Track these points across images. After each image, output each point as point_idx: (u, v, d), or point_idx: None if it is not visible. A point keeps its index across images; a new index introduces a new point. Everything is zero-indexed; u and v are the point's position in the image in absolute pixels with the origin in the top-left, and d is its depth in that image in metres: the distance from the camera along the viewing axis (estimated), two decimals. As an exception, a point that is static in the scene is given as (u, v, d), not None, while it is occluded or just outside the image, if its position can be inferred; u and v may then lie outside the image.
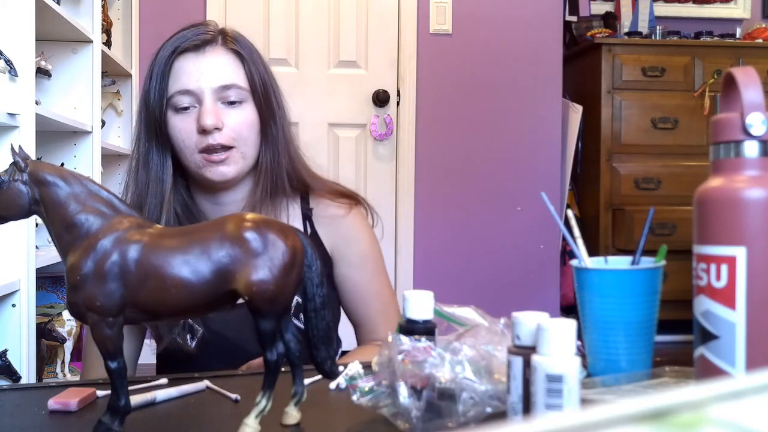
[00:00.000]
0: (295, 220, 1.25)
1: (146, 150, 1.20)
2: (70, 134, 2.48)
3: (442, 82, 3.53)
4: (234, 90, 1.18)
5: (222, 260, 0.67)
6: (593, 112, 3.69)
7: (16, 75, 1.77)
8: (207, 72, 1.16)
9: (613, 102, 3.64)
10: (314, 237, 1.25)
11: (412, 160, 3.53)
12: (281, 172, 1.23)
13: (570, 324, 0.62)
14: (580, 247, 0.85)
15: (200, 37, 1.18)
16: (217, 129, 1.16)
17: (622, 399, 0.66)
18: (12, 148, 0.71)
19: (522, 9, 3.56)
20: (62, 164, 2.24)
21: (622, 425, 0.25)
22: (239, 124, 1.18)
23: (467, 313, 0.80)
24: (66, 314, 2.24)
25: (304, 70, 3.45)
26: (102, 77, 2.71)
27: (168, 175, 1.19)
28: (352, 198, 1.29)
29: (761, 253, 0.65)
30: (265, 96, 1.21)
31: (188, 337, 1.18)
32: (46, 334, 2.16)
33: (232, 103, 1.18)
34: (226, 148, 1.17)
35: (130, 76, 3.21)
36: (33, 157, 1.48)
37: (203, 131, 1.15)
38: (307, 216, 1.26)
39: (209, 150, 1.16)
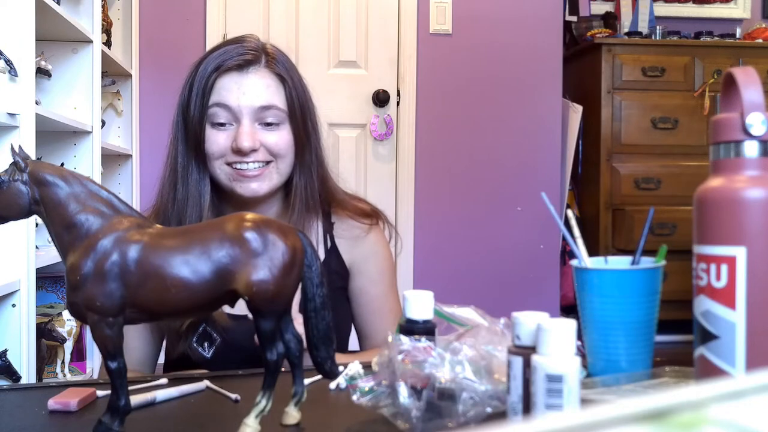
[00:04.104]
0: (318, 235, 1.27)
1: (185, 165, 1.20)
2: (70, 134, 2.48)
3: (442, 82, 3.53)
4: (273, 111, 1.19)
5: (222, 260, 0.67)
6: (593, 112, 3.69)
7: (16, 75, 1.77)
8: (248, 92, 1.17)
9: (613, 102, 3.64)
10: (334, 250, 1.28)
11: (412, 160, 3.52)
12: (314, 194, 1.25)
13: (570, 324, 0.62)
14: (580, 247, 0.85)
15: (243, 57, 1.18)
16: (254, 150, 1.17)
17: (622, 399, 0.67)
18: (12, 148, 0.71)
19: (522, 9, 3.56)
20: (62, 164, 2.24)
21: (622, 425, 0.25)
22: (276, 143, 1.19)
23: (467, 313, 0.80)
24: (66, 314, 2.24)
25: (304, 70, 3.40)
26: (102, 77, 2.71)
27: (206, 192, 1.19)
28: (373, 217, 1.32)
29: (761, 253, 0.65)
30: (302, 119, 1.22)
31: (206, 344, 1.18)
32: (46, 334, 2.16)
33: (269, 124, 1.19)
34: (266, 162, 1.19)
35: (130, 76, 3.21)
36: (33, 157, 1.48)
37: (239, 152, 1.16)
38: (327, 230, 1.28)
39: (240, 168, 1.18)
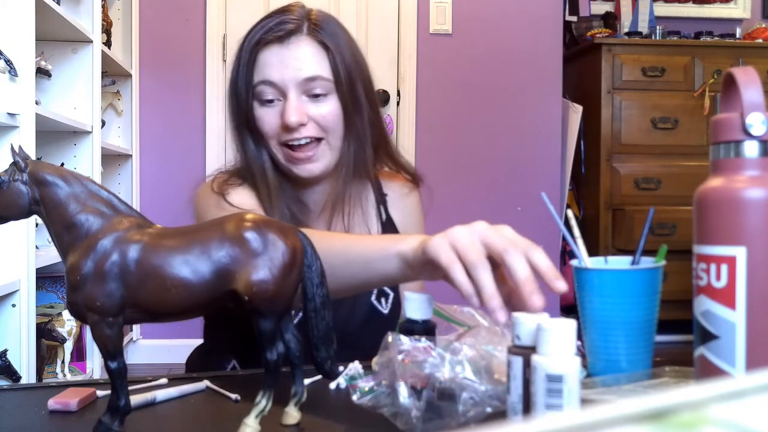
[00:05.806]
0: (371, 207, 1.26)
1: (242, 141, 1.19)
2: (70, 134, 2.48)
3: (442, 82, 3.53)
4: (318, 82, 1.14)
5: (222, 260, 0.67)
6: (593, 112, 3.69)
7: (16, 75, 1.77)
8: (291, 65, 1.13)
9: (613, 102, 3.64)
10: (389, 222, 1.27)
11: (412, 160, 3.51)
12: (366, 165, 1.21)
13: (570, 324, 0.62)
14: (580, 247, 0.85)
15: (284, 27, 1.14)
16: (302, 125, 1.14)
17: (622, 399, 0.66)
18: (12, 148, 0.71)
19: (522, 9, 3.56)
20: (62, 164, 2.24)
21: (622, 425, 0.25)
22: (324, 117, 1.15)
23: (467, 313, 0.80)
24: (66, 314, 2.24)
25: (304, 70, 3.44)
26: (102, 77, 2.71)
27: (267, 161, 1.17)
28: (414, 178, 1.32)
29: (761, 253, 0.65)
30: (350, 87, 1.17)
31: None
32: (46, 334, 2.16)
33: (316, 96, 1.15)
34: (316, 139, 1.16)
35: (130, 76, 3.21)
36: (33, 157, 1.48)
37: (287, 128, 1.13)
38: (381, 202, 1.27)
39: (292, 145, 1.15)
